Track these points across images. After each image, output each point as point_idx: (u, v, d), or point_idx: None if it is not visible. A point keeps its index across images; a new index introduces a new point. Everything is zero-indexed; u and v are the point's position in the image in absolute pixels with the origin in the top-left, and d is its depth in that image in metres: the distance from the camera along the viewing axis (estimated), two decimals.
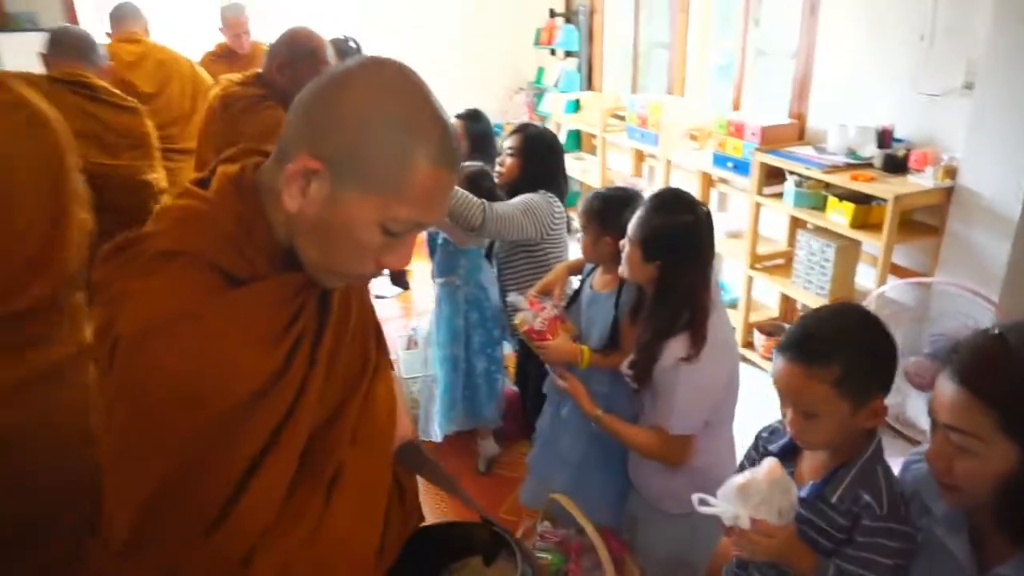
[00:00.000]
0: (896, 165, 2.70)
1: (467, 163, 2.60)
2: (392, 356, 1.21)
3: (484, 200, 2.25)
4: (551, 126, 5.21)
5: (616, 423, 1.77)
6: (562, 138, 5.17)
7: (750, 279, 3.35)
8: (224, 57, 3.84)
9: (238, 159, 0.88)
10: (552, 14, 5.42)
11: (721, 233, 3.64)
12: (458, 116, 3.06)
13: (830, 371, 1.06)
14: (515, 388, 2.89)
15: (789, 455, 1.21)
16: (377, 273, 0.90)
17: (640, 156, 4.52)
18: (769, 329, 3.38)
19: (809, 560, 1.08)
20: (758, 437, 1.30)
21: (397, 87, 0.82)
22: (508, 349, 2.87)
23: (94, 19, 4.77)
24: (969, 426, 0.91)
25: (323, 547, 0.86)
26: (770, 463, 1.07)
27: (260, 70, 2.22)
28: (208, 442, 0.78)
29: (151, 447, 0.78)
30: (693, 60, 4.21)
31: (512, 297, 2.03)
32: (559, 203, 2.47)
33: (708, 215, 1.68)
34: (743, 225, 3.39)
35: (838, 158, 2.87)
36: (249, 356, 0.79)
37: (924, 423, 1.60)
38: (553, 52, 5.46)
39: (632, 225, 1.67)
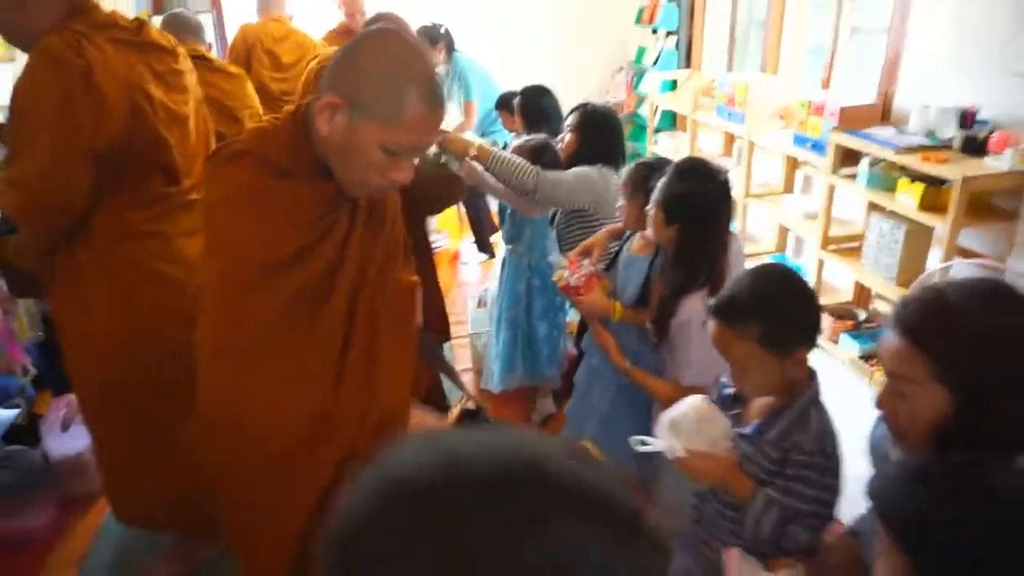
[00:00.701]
0: (975, 147, 2.62)
1: (530, 136, 2.78)
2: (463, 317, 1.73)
3: (538, 167, 2.43)
4: (646, 106, 5.28)
5: (640, 374, 1.93)
6: (657, 118, 5.22)
7: (821, 262, 3.33)
8: (343, 34, 4.23)
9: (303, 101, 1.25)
10: None
11: (801, 214, 3.62)
12: (521, 92, 3.25)
13: (752, 330, 1.19)
14: (576, 351, 3.07)
15: (740, 399, 1.34)
16: (391, 185, 1.21)
17: (731, 136, 4.51)
18: (839, 312, 3.35)
19: (746, 488, 1.22)
20: (720, 383, 1.43)
21: (394, 48, 1.15)
22: (573, 315, 3.05)
23: (236, 4, 5.31)
24: (907, 371, 1.01)
25: (361, 396, 1.24)
26: (695, 399, 1.22)
27: None
28: (270, 283, 1.17)
29: (238, 288, 1.19)
30: (788, 39, 4.15)
31: (554, 257, 2.21)
32: (616, 176, 2.61)
33: (726, 183, 1.80)
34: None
35: (917, 139, 2.81)
36: (289, 225, 1.18)
37: None
38: (655, 31, 5.48)
39: (657, 190, 1.82)
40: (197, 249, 1.68)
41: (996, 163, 2.52)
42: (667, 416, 1.26)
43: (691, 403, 1.24)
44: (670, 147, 4.94)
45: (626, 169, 2.20)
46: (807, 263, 3.74)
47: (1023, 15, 2.51)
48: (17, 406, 2.66)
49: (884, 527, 0.91)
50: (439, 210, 2.73)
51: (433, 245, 4.69)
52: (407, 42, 1.18)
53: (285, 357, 1.21)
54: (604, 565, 0.43)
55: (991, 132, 2.61)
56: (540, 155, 2.63)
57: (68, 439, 2.48)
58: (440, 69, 4.42)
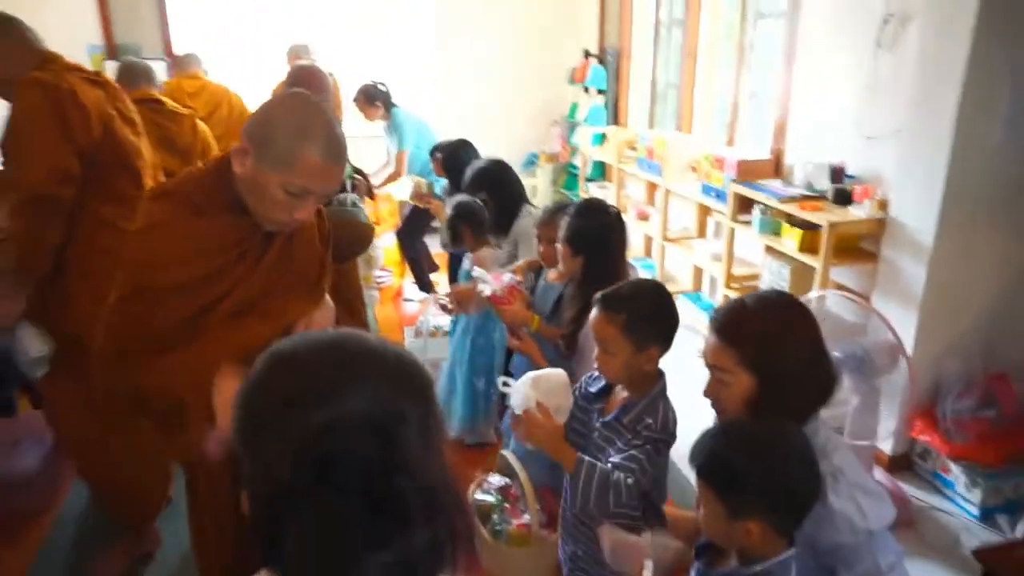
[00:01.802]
0: (844, 198, 3.05)
1: (457, 198, 3.04)
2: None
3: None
4: (579, 157, 5.70)
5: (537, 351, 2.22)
6: (588, 168, 5.65)
7: (726, 297, 3.71)
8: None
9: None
10: (586, 55, 5.93)
11: (708, 256, 4.02)
12: (437, 147, 3.62)
13: (619, 317, 1.50)
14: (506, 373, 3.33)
15: (603, 394, 1.65)
16: (293, 222, 1.41)
17: (652, 186, 4.94)
18: None
19: (570, 459, 1.49)
20: (583, 381, 1.73)
21: (299, 107, 1.37)
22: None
23: (185, 48, 5.57)
24: (722, 363, 1.33)
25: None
26: (560, 372, 1.52)
27: None
28: (168, 295, 1.36)
29: (143, 301, 1.37)
30: (699, 100, 4.63)
31: (477, 272, 2.47)
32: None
33: (619, 216, 2.14)
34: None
35: (798, 190, 3.24)
36: (203, 250, 1.38)
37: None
38: (586, 89, 5.95)
39: (562, 228, 2.14)
40: None
41: (858, 211, 2.94)
42: (533, 373, 1.55)
43: (556, 372, 1.55)
44: (600, 196, 5.35)
45: (539, 213, 2.53)
46: (718, 300, 4.13)
47: (873, 88, 2.98)
48: None
49: (700, 478, 1.21)
50: (350, 257, 2.81)
51: (378, 281, 4.96)
52: (312, 104, 1.38)
53: (172, 349, 1.40)
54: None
55: (855, 185, 3.04)
56: (479, 221, 2.91)
57: (17, 457, 2.61)
58: (381, 123, 4.76)
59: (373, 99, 4.57)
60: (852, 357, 2.47)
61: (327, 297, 1.63)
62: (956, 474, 2.72)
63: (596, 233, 2.10)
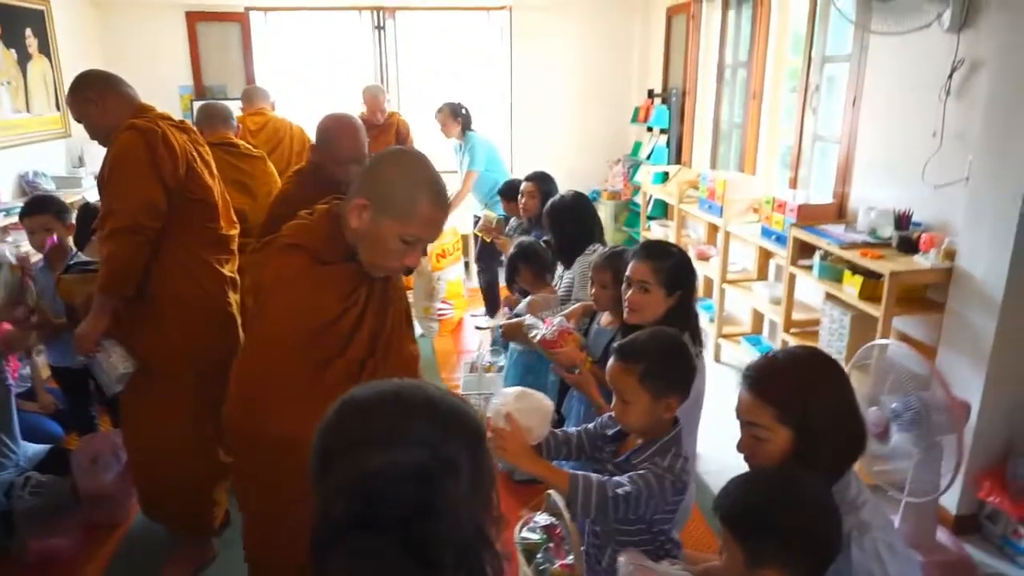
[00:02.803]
0: (909, 246, 2.98)
1: (522, 239, 3.13)
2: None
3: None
4: (640, 195, 5.73)
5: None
6: (650, 206, 5.66)
7: (784, 343, 3.65)
8: (365, 124, 4.81)
9: (330, 201, 1.63)
10: (650, 94, 5.99)
11: (768, 299, 3.97)
12: (528, 178, 3.70)
13: (636, 367, 1.53)
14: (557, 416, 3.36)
15: (620, 437, 1.68)
16: (402, 268, 1.54)
17: (714, 227, 4.91)
18: None
19: (558, 475, 1.54)
20: (599, 421, 1.77)
21: (408, 162, 1.51)
22: None
23: (268, 85, 5.91)
24: (759, 419, 1.34)
25: None
26: (547, 401, 1.58)
27: None
28: (302, 344, 1.50)
29: (281, 348, 1.52)
30: (763, 142, 4.61)
31: (530, 320, 2.53)
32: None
33: (682, 249, 2.18)
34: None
35: (861, 236, 3.18)
36: (327, 299, 1.52)
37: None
38: (649, 128, 5.99)
39: (648, 271, 2.05)
40: (227, 272, 2.48)
41: (923, 260, 2.87)
42: (522, 389, 1.60)
43: (543, 400, 1.60)
44: (661, 234, 5.35)
45: (597, 259, 2.55)
46: (777, 344, 4.05)
47: (941, 136, 2.91)
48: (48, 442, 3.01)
49: (723, 524, 1.22)
50: None
51: (438, 313, 5.12)
52: (421, 158, 1.52)
53: (299, 399, 1.49)
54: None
55: (922, 233, 2.97)
56: (541, 260, 2.99)
57: (97, 471, 2.79)
58: (454, 143, 5.00)
59: (456, 115, 4.85)
60: (910, 410, 2.40)
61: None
62: None
63: (686, 267, 2.10)
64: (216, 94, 5.84)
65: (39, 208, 2.99)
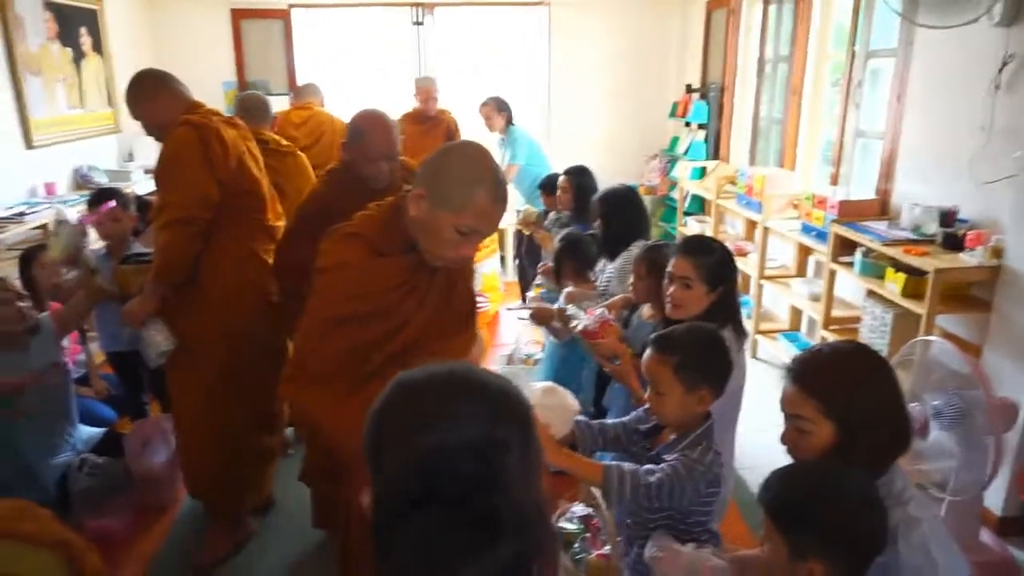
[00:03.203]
0: (954, 243, 2.93)
1: (567, 230, 3.15)
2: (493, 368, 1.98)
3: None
4: (678, 190, 5.70)
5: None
6: (687, 202, 5.64)
7: (823, 340, 3.61)
8: (415, 118, 4.90)
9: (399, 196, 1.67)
10: (688, 89, 5.95)
11: (806, 296, 3.94)
12: (566, 172, 3.72)
13: (672, 358, 1.56)
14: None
15: (654, 432, 1.71)
16: (459, 258, 1.56)
17: (752, 223, 4.87)
18: None
19: (590, 467, 1.57)
20: (636, 416, 1.80)
21: (469, 154, 1.53)
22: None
23: (308, 80, 6.02)
24: (803, 412, 1.35)
25: None
26: (574, 401, 1.62)
27: None
28: (354, 329, 1.56)
29: (327, 327, 1.58)
30: (803, 137, 4.55)
31: (571, 310, 2.54)
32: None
33: (723, 243, 2.19)
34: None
35: (904, 233, 3.14)
36: (378, 288, 1.57)
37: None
38: (688, 124, 5.96)
39: (690, 267, 2.06)
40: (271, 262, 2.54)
41: (969, 258, 2.82)
42: (550, 385, 1.65)
43: (570, 399, 1.63)
44: (697, 230, 5.32)
45: (638, 251, 2.57)
46: (816, 341, 4.02)
47: (989, 131, 2.86)
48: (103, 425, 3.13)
49: (767, 515, 1.24)
50: None
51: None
52: (481, 152, 1.54)
53: (346, 380, 1.58)
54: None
55: (969, 230, 2.92)
56: (585, 251, 3.01)
57: (148, 455, 2.90)
58: (497, 138, 5.08)
59: (501, 108, 4.93)
60: (952, 408, 2.37)
61: (478, 332, 1.82)
62: None
63: (729, 261, 2.11)
64: (259, 89, 5.95)
65: (107, 199, 3.11)
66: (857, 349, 1.39)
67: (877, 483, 1.28)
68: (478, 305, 5.14)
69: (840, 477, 1.22)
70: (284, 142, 3.46)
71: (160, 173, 2.33)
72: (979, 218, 2.98)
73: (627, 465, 1.56)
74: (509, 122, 5.04)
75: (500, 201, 1.50)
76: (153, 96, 2.36)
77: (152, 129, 2.42)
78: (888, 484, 1.28)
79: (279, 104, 4.55)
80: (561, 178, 3.89)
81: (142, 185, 4.66)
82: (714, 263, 2.06)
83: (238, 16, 5.96)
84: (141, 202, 3.49)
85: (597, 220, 3.11)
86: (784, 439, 1.40)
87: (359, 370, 1.58)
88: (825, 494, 1.19)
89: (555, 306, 2.95)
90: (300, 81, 6.03)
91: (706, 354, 1.61)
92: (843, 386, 1.30)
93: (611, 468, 1.55)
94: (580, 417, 1.82)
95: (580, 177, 3.77)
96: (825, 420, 1.32)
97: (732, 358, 1.68)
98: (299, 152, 3.50)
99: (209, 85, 5.79)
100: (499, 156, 5.15)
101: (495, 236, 5.32)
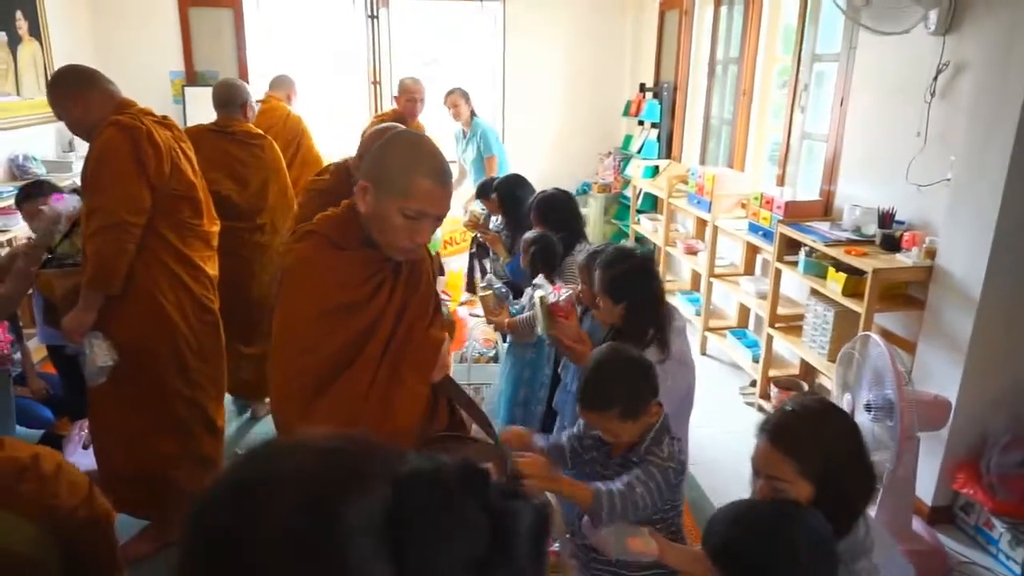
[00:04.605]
0: (892, 243, 3.04)
1: (529, 234, 3.12)
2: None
3: None
4: (631, 188, 5.77)
5: None
6: (639, 200, 5.71)
7: (770, 337, 3.71)
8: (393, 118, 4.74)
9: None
10: (642, 88, 6.02)
11: (754, 293, 4.03)
12: (495, 187, 3.74)
13: (613, 412, 1.61)
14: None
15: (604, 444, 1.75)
16: (415, 246, 1.54)
17: (702, 222, 4.96)
18: (785, 384, 3.71)
19: (584, 493, 1.56)
20: (580, 426, 1.83)
21: (407, 140, 1.57)
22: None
23: (259, 72, 5.91)
24: (780, 473, 1.35)
25: (380, 413, 1.58)
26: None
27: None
28: (321, 331, 1.52)
29: (304, 333, 1.54)
30: (752, 138, 4.66)
31: (539, 280, 2.51)
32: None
33: (645, 256, 2.20)
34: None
35: (845, 234, 3.24)
36: (342, 281, 1.54)
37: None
38: (640, 123, 6.03)
39: (597, 281, 2.15)
40: (210, 269, 2.54)
41: (905, 258, 2.93)
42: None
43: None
44: (650, 227, 5.41)
45: (582, 258, 2.58)
46: (763, 338, 4.12)
47: (925, 137, 2.97)
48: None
49: (715, 564, 1.26)
50: None
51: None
52: (419, 137, 1.60)
53: (329, 384, 1.55)
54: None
55: (905, 231, 3.03)
56: (551, 253, 3.01)
57: (86, 456, 2.81)
58: (456, 132, 5.11)
59: (467, 98, 4.88)
60: (885, 404, 2.46)
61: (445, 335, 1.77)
62: (1000, 531, 2.67)
63: (632, 277, 2.11)
64: (208, 80, 5.82)
65: (37, 193, 3.00)
66: (827, 408, 1.43)
67: (848, 535, 1.33)
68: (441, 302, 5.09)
69: (787, 520, 1.23)
70: (254, 131, 3.38)
71: (88, 176, 2.23)
72: (915, 220, 3.10)
73: (614, 485, 1.57)
74: (473, 113, 5.02)
75: (443, 181, 1.51)
76: (79, 93, 2.26)
77: (77, 128, 2.33)
78: (855, 533, 1.32)
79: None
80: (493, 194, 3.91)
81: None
82: (615, 276, 2.08)
83: (186, 4, 5.80)
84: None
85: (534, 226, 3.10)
86: (759, 496, 1.40)
87: (342, 376, 1.55)
88: (774, 543, 1.20)
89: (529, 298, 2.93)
90: (252, 72, 5.93)
91: (641, 384, 1.64)
92: (819, 447, 1.34)
93: (600, 492, 1.55)
94: (539, 438, 1.85)
95: (508, 189, 3.75)
96: (802, 480, 1.33)
97: (655, 374, 1.70)
98: (265, 145, 3.39)
99: (155, 74, 5.63)
100: (460, 148, 5.12)
101: (466, 234, 5.28)
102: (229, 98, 3.32)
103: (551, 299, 2.28)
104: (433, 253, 1.95)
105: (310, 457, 0.55)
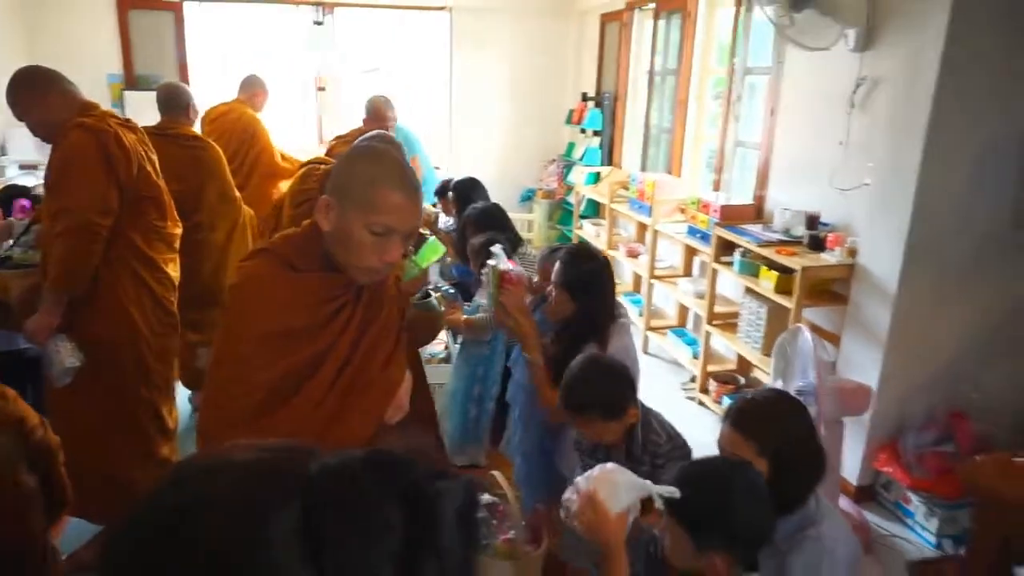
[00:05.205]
0: (818, 244, 3.28)
1: (478, 238, 3.23)
2: None
3: None
4: (574, 194, 5.95)
5: (542, 373, 2.18)
6: (582, 206, 5.89)
7: (708, 334, 3.92)
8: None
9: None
10: (584, 98, 6.22)
11: (692, 294, 4.24)
12: (452, 188, 3.85)
13: (594, 414, 1.75)
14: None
15: (597, 449, 1.88)
16: (384, 266, 1.40)
17: (642, 226, 5.17)
18: (723, 378, 3.92)
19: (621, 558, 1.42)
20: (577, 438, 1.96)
21: (372, 153, 1.48)
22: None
23: (202, 77, 5.85)
24: (741, 452, 1.52)
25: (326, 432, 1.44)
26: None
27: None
28: (262, 355, 1.38)
29: (246, 355, 1.39)
30: (689, 145, 4.89)
31: (497, 249, 2.56)
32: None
33: (607, 262, 2.33)
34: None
35: (776, 235, 3.47)
36: (295, 303, 1.42)
37: None
38: (583, 131, 6.23)
39: (556, 273, 2.24)
40: (171, 271, 2.58)
41: (830, 257, 3.17)
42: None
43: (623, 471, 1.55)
44: (592, 232, 5.59)
45: (542, 253, 2.70)
46: (701, 336, 4.34)
47: (847, 145, 3.22)
48: None
49: (668, 513, 1.39)
50: (422, 344, 2.85)
51: None
52: (382, 150, 1.48)
53: (266, 414, 1.39)
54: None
55: (830, 232, 3.27)
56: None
57: None
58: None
59: (391, 105, 4.86)
60: (810, 391, 2.67)
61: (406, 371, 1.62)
62: (916, 504, 2.91)
63: (589, 279, 2.20)
64: (149, 83, 5.73)
65: None
66: (782, 396, 1.63)
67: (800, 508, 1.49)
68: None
69: (732, 474, 1.38)
70: (194, 134, 3.45)
71: (54, 178, 2.25)
72: (838, 222, 3.35)
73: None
74: (394, 120, 5.03)
75: (410, 194, 1.39)
76: (41, 95, 2.27)
77: (39, 129, 2.33)
78: (807, 506, 1.49)
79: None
80: (450, 193, 4.01)
81: (19, 181, 4.39)
82: (576, 274, 2.18)
83: (125, 6, 5.70)
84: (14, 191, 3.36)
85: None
86: None
87: (285, 405, 1.40)
88: (719, 494, 1.34)
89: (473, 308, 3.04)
90: (192, 76, 5.87)
91: (615, 389, 1.77)
92: (775, 429, 1.52)
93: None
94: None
95: (464, 191, 3.87)
96: (760, 458, 1.49)
97: (631, 377, 1.85)
98: (206, 147, 3.44)
99: (91, 77, 5.49)
100: None
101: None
102: (173, 101, 3.39)
103: (501, 266, 2.25)
104: (418, 272, 1.81)
105: (227, 478, 0.54)
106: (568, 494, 1.52)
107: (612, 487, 1.46)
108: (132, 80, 5.79)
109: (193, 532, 0.50)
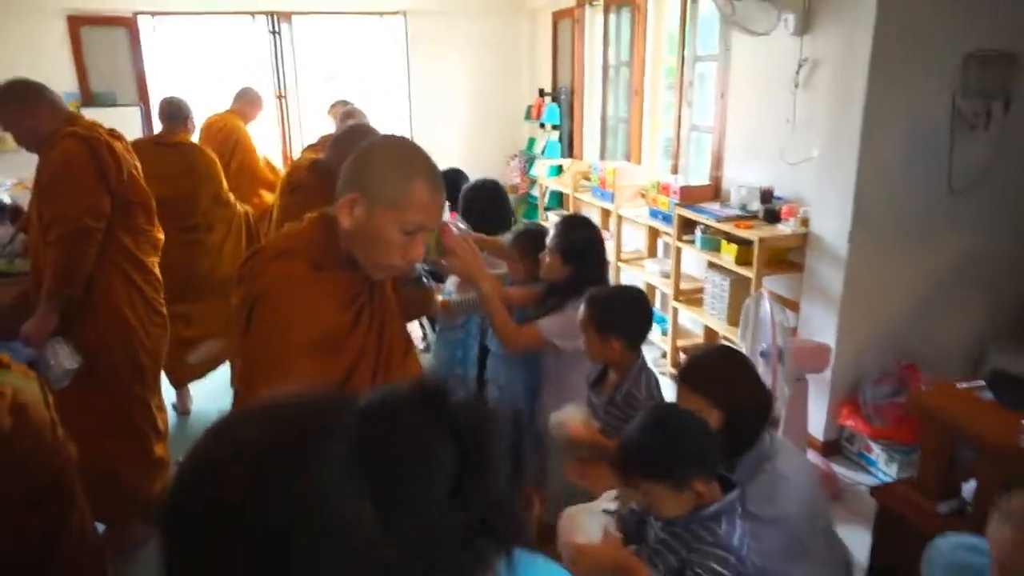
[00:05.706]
0: (773, 216, 3.48)
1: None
2: None
3: None
4: (537, 187, 6.10)
5: (495, 302, 2.14)
6: (546, 198, 6.05)
7: (675, 310, 4.11)
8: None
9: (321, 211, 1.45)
10: (541, 93, 6.38)
11: (658, 273, 4.43)
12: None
13: (589, 315, 1.91)
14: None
15: (601, 379, 2.05)
16: (406, 264, 1.36)
17: (606, 212, 5.35)
18: (691, 351, 4.11)
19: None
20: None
21: (399, 147, 1.39)
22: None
23: (162, 91, 5.84)
24: (692, 406, 1.65)
25: None
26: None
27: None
28: (306, 365, 1.28)
29: (273, 360, 1.31)
30: (646, 133, 5.09)
31: (446, 218, 2.64)
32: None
33: (599, 230, 2.48)
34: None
35: (734, 211, 3.67)
36: (328, 307, 1.35)
37: None
38: (542, 125, 6.38)
39: (551, 238, 2.35)
40: (158, 273, 2.67)
41: (785, 228, 3.37)
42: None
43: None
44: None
45: (516, 234, 2.82)
46: (669, 313, 4.52)
47: (793, 122, 3.43)
48: None
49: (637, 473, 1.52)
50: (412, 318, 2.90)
51: None
52: (408, 141, 1.42)
53: None
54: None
55: (783, 205, 3.48)
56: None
57: None
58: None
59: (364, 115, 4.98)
60: (776, 351, 2.86)
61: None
62: (877, 453, 3.12)
63: (582, 246, 2.33)
64: (106, 100, 5.72)
65: None
66: (725, 350, 1.81)
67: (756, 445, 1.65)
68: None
69: (667, 416, 1.52)
70: (188, 142, 3.67)
71: (49, 187, 2.34)
72: (790, 195, 3.55)
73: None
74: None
75: (440, 189, 1.35)
76: (35, 108, 2.37)
77: (28, 140, 2.41)
78: (761, 444, 1.66)
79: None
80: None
81: None
82: (570, 240, 2.31)
83: (76, 23, 5.67)
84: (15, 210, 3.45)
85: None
86: None
87: None
88: (666, 436, 1.45)
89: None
90: (152, 92, 5.86)
91: (618, 311, 1.96)
92: (718, 380, 1.68)
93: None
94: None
95: (451, 179, 3.98)
96: (712, 409, 1.64)
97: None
98: (201, 154, 3.66)
99: None
100: None
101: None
102: (174, 112, 3.68)
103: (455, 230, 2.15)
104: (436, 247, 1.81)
105: (269, 421, 0.57)
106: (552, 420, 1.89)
107: (578, 525, 1.59)
108: (89, 97, 5.76)
109: (246, 473, 0.52)
